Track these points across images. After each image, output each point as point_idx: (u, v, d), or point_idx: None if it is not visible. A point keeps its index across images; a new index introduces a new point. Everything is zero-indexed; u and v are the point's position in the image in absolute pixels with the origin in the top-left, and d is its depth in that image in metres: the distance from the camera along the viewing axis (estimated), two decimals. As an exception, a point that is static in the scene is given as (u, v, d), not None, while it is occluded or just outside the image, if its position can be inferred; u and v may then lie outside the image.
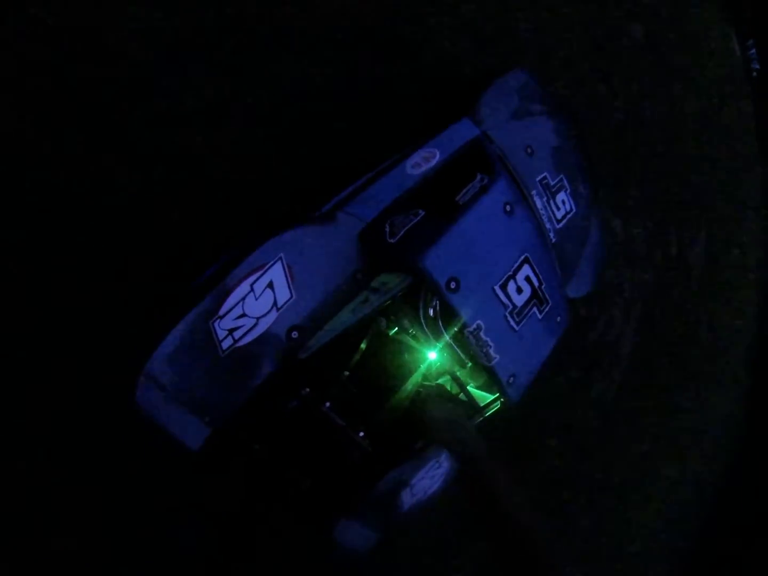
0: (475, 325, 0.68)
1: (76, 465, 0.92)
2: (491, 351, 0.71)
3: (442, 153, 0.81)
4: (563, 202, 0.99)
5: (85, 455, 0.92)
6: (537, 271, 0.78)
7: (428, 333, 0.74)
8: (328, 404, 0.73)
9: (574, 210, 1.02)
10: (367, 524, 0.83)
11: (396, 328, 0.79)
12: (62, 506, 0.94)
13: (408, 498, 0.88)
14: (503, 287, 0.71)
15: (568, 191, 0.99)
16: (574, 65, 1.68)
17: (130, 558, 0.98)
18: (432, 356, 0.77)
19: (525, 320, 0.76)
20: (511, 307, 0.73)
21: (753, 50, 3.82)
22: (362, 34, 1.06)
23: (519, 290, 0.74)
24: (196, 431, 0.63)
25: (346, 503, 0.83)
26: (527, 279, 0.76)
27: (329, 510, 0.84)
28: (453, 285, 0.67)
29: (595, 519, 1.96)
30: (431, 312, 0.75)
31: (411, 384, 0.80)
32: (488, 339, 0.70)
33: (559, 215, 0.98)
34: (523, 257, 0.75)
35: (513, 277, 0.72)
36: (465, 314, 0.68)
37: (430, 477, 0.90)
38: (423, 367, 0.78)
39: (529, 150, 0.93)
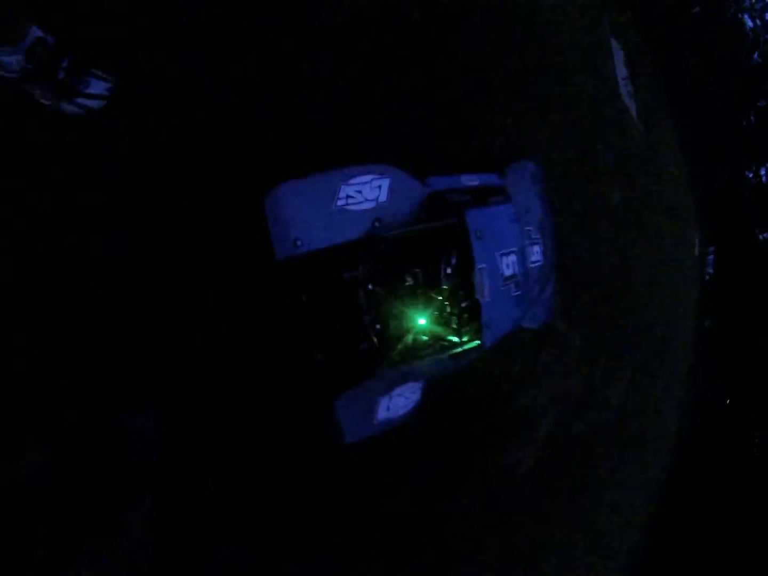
0: (483, 265, 1.07)
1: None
2: (485, 291, 1.08)
3: (482, 182, 1.31)
4: (537, 252, 1.48)
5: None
6: (520, 263, 1.22)
7: (443, 282, 1.13)
8: (370, 286, 1.05)
9: (541, 262, 1.50)
10: (356, 413, 1.07)
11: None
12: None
13: (384, 409, 1.13)
14: (503, 255, 1.14)
15: (541, 248, 1.50)
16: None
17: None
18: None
19: (506, 288, 1.17)
20: (501, 272, 1.14)
21: (711, 256, 4.99)
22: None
23: (508, 266, 1.17)
24: (285, 246, 0.92)
25: (345, 383, 1.07)
26: (514, 264, 1.19)
27: (329, 384, 1.07)
28: (479, 235, 1.08)
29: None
30: (449, 270, 1.15)
31: (419, 323, 1.14)
32: (486, 282, 1.09)
33: (533, 258, 1.46)
34: (517, 248, 1.20)
35: (508, 254, 1.16)
36: (479, 256, 1.07)
37: (405, 398, 1.17)
38: (428, 313, 1.15)
39: (525, 209, 1.45)
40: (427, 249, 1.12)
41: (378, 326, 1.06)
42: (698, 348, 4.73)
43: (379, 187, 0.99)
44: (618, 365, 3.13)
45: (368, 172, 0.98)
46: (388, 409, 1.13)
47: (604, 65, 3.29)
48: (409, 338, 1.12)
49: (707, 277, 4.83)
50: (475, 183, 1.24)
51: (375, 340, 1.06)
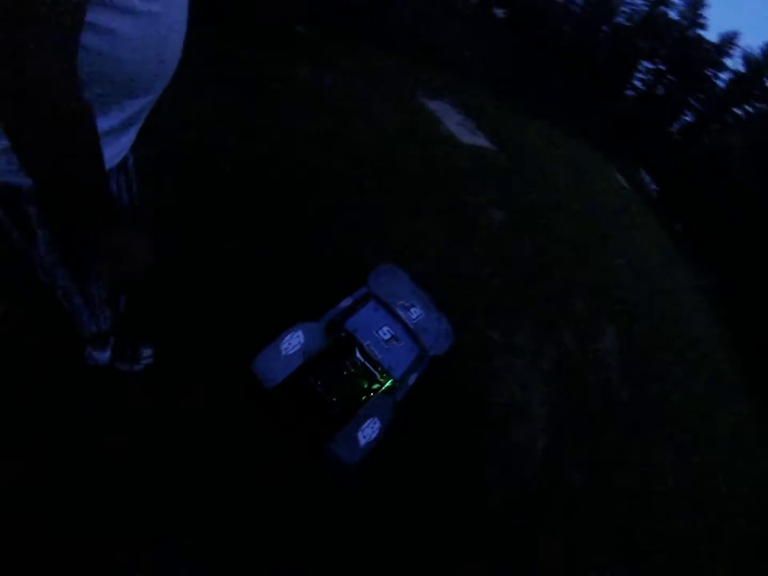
0: (367, 342, 2.09)
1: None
2: (375, 353, 2.07)
3: (353, 298, 2.37)
4: (415, 310, 2.48)
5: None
6: (395, 328, 2.24)
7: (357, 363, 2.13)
8: (319, 383, 2.03)
9: (422, 314, 2.50)
10: (347, 445, 1.97)
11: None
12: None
13: (362, 437, 2.03)
14: (377, 330, 2.16)
15: (418, 306, 2.51)
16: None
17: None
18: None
19: (390, 346, 2.18)
20: (381, 338, 2.14)
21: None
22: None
23: (384, 333, 2.17)
24: (268, 382, 1.91)
25: (334, 431, 1.98)
26: (388, 330, 2.21)
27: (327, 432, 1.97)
28: (357, 331, 2.12)
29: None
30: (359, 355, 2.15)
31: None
32: (373, 348, 2.09)
33: (413, 316, 2.46)
34: (387, 322, 2.22)
35: (380, 328, 2.18)
36: (364, 339, 2.09)
37: (371, 428, 2.07)
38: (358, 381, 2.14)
39: (390, 294, 2.49)
40: (341, 351, 2.14)
41: (334, 399, 2.04)
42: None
43: (298, 336, 2.03)
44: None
45: (289, 332, 2.03)
46: (364, 437, 2.04)
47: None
48: (354, 397, 2.09)
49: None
50: (349, 302, 2.30)
51: (336, 406, 2.03)
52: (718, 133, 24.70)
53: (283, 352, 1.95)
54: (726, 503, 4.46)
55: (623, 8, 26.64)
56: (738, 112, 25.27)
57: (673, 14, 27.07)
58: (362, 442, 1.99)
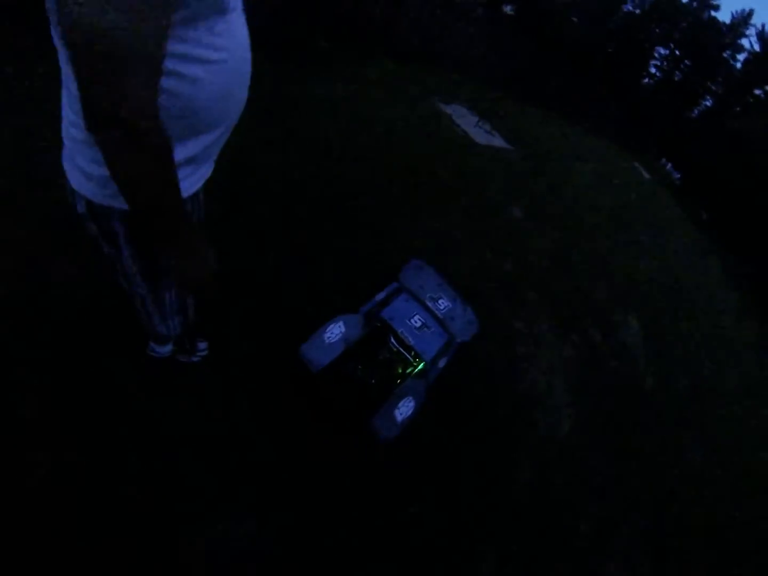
0: (401, 329, 2.34)
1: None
2: (409, 339, 2.31)
3: (387, 292, 2.62)
4: (443, 301, 2.73)
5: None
6: (425, 317, 2.48)
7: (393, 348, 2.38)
8: (360, 367, 2.29)
9: (450, 305, 2.74)
10: (385, 421, 2.21)
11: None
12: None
13: (398, 414, 2.27)
14: (410, 319, 2.42)
15: (445, 297, 2.75)
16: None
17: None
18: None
19: (421, 332, 2.42)
20: (412, 326, 2.39)
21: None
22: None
23: (416, 322, 2.42)
24: (314, 366, 2.17)
25: (374, 409, 2.22)
26: (419, 319, 2.46)
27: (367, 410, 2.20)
28: (392, 320, 2.38)
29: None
30: (393, 341, 2.40)
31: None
32: (407, 335, 2.33)
33: (441, 307, 2.70)
34: (419, 311, 2.47)
35: (412, 317, 2.43)
36: (398, 327, 2.35)
37: (407, 406, 2.31)
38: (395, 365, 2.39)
39: (419, 287, 2.74)
40: (377, 339, 2.40)
41: (373, 381, 2.29)
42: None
43: (340, 326, 2.29)
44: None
45: (331, 322, 2.30)
46: (401, 414, 2.28)
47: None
48: (391, 380, 2.34)
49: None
50: (383, 296, 2.56)
51: (374, 388, 2.29)
52: (739, 116, 24.19)
53: (327, 341, 2.21)
54: (755, 489, 4.54)
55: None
56: (757, 92, 24.78)
57: (683, -1, 26.81)
58: (399, 418, 2.23)
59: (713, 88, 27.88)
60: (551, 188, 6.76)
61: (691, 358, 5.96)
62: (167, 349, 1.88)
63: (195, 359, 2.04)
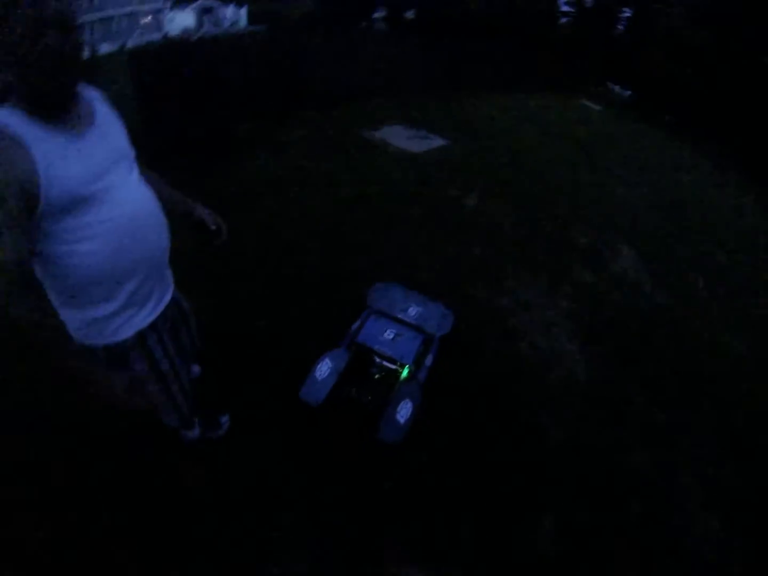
0: (376, 346, 2.68)
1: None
2: (386, 350, 2.66)
3: (360, 319, 2.98)
4: (413, 309, 3.07)
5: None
6: (396, 328, 2.84)
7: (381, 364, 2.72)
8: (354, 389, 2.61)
9: (420, 309, 3.08)
10: (390, 428, 2.50)
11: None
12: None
13: (400, 418, 2.55)
14: (383, 334, 2.78)
15: (415, 305, 3.10)
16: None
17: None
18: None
19: (396, 341, 2.77)
20: (386, 338, 2.73)
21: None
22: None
23: (389, 334, 2.78)
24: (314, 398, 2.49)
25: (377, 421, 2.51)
26: (391, 332, 2.82)
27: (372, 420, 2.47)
28: (369, 339, 2.79)
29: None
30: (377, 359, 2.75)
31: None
32: (384, 348, 2.69)
33: (413, 314, 3.05)
34: (390, 325, 2.83)
35: (384, 332, 2.79)
36: (375, 345, 2.69)
37: (406, 409, 2.59)
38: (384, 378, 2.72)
39: (388, 305, 3.10)
40: (363, 361, 2.73)
41: (369, 398, 2.62)
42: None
43: (326, 362, 2.64)
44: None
45: (319, 362, 2.65)
46: (402, 417, 2.48)
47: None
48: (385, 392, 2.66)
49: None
50: (357, 324, 2.92)
51: (371, 403, 2.60)
52: (662, 12, 24.34)
53: (319, 378, 2.56)
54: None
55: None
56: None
57: None
58: (401, 421, 2.50)
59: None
60: (501, 165, 7.07)
61: (699, 263, 5.99)
62: (196, 432, 2.16)
63: (222, 432, 2.33)
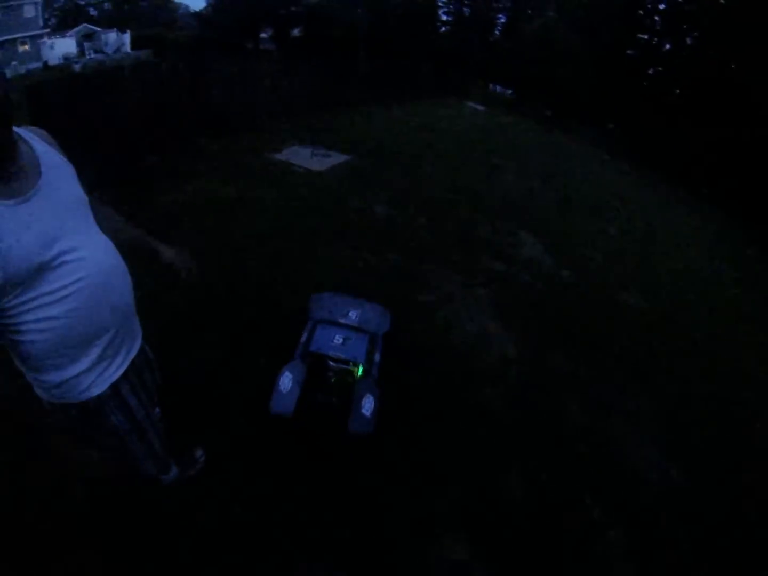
0: (330, 352, 2.95)
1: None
2: (339, 354, 2.95)
3: (306, 329, 3.23)
4: (353, 313, 3.38)
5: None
6: (342, 333, 3.13)
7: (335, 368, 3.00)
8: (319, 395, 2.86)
9: (358, 312, 3.39)
10: (359, 422, 2.76)
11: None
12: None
13: (366, 411, 2.80)
14: (333, 340, 3.05)
15: (355, 309, 3.41)
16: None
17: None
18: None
19: (346, 344, 3.05)
20: (336, 344, 3.02)
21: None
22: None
23: (337, 340, 3.06)
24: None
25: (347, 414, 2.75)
26: (339, 337, 3.11)
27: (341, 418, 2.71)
28: (320, 348, 3.03)
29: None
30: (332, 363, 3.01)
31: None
32: (338, 352, 2.96)
33: (354, 317, 3.34)
34: (336, 331, 3.13)
35: (333, 338, 3.08)
36: (330, 351, 2.97)
37: (369, 402, 2.86)
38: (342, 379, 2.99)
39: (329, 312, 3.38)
40: (319, 368, 2.95)
41: (333, 399, 2.87)
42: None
43: (287, 375, 2.85)
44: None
45: (280, 376, 2.85)
46: (367, 410, 2.73)
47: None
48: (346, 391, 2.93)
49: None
50: (306, 336, 3.13)
51: (337, 404, 2.86)
52: (532, 17, 27.34)
53: (284, 390, 2.73)
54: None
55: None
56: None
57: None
58: (367, 414, 2.75)
59: (500, 5, 31.35)
60: (401, 173, 7.59)
61: (592, 241, 6.98)
62: (174, 472, 2.13)
63: (199, 466, 2.35)
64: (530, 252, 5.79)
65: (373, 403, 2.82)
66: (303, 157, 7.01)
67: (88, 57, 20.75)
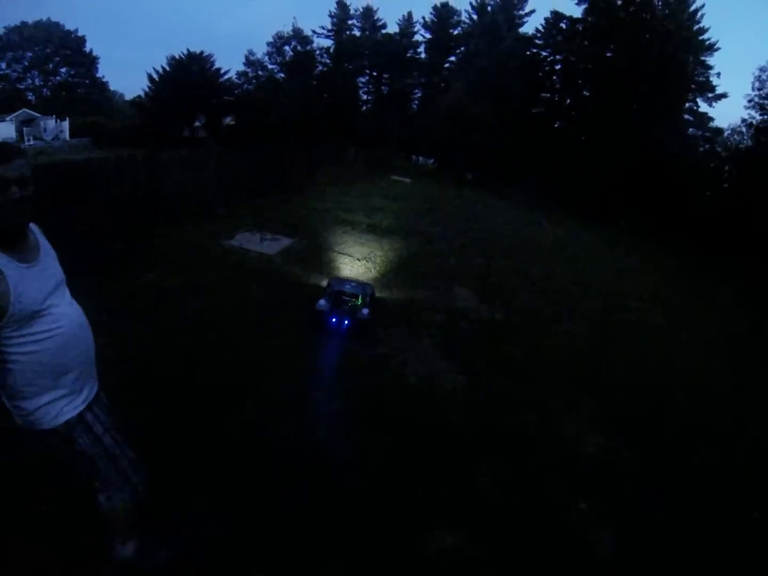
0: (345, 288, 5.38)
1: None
2: (350, 291, 5.45)
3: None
4: (353, 284, 5.77)
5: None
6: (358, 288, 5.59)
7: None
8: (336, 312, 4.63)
9: (354, 283, 5.77)
10: (363, 314, 5.03)
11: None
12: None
13: (365, 312, 5.04)
14: (346, 296, 5.49)
15: (353, 283, 5.75)
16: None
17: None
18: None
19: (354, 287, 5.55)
20: (350, 287, 5.62)
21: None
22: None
23: (348, 286, 5.61)
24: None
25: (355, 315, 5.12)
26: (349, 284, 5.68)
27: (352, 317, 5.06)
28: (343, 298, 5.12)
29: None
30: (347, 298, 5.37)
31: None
32: (349, 288, 5.63)
33: (354, 284, 5.70)
34: (353, 288, 5.60)
35: (345, 285, 5.71)
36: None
37: (365, 310, 5.10)
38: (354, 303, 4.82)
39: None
40: (339, 297, 5.27)
41: (346, 309, 4.98)
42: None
43: (323, 302, 5.23)
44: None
45: (319, 301, 4.92)
46: (364, 313, 4.96)
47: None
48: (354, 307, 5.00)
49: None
50: (331, 289, 5.41)
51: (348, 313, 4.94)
52: (444, 91, 30.83)
53: (321, 307, 4.93)
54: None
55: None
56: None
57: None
58: (365, 313, 4.99)
59: (414, 81, 35.36)
60: (341, 251, 8.05)
61: (519, 282, 8.18)
62: (130, 548, 1.98)
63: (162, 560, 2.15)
64: (465, 303, 6.71)
65: (367, 311, 5.02)
66: (254, 243, 7.69)
67: (27, 143, 20.29)
